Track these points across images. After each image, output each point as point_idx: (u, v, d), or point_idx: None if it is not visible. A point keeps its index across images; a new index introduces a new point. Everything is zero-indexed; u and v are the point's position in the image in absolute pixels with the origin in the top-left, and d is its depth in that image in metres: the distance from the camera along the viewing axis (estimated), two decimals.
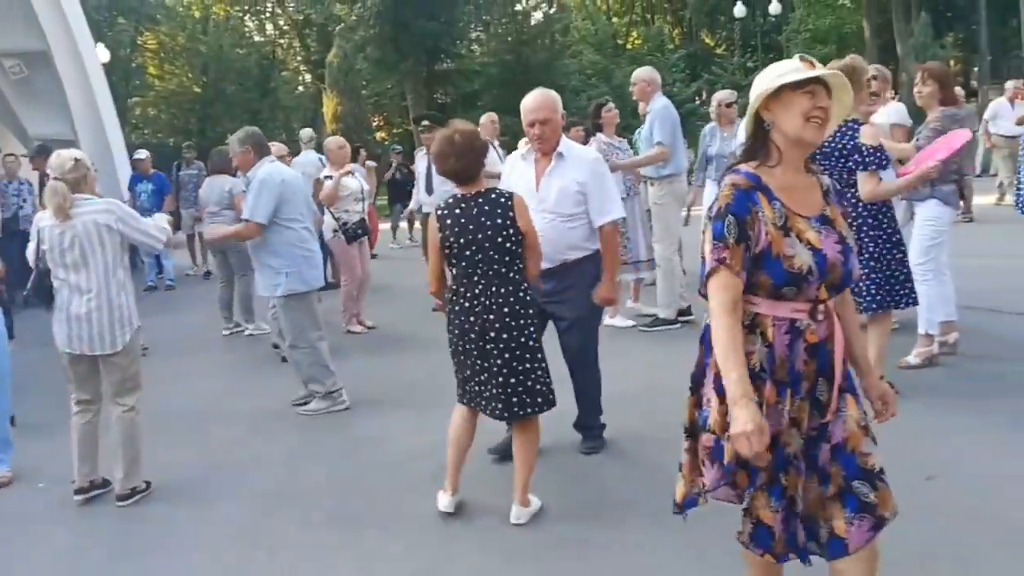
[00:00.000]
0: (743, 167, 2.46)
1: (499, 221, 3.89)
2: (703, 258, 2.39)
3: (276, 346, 7.42)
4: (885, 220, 5.11)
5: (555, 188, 4.50)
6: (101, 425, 4.81)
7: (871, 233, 5.06)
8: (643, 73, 7.63)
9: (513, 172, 4.77)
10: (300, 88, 43.19)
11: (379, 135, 34.32)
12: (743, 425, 2.20)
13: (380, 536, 4.08)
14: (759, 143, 2.46)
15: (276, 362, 7.37)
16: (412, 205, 11.92)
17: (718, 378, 2.35)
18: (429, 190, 9.26)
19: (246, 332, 8.87)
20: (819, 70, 2.39)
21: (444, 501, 4.17)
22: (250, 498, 4.66)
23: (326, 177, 8.44)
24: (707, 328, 2.43)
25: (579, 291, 4.61)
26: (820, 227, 2.40)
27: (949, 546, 3.48)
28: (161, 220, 5.06)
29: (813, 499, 2.43)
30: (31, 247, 4.68)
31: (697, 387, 2.52)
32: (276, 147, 7.72)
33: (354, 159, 10.63)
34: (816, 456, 2.44)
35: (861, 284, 5.02)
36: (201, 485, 4.91)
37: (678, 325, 7.57)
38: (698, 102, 31.14)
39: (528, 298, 3.98)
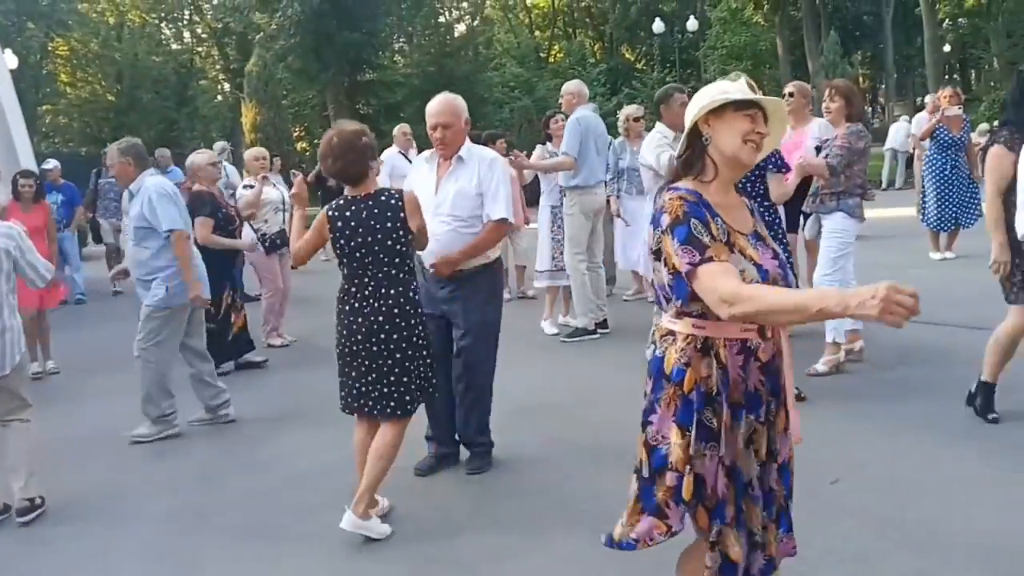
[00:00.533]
0: (681, 184, 2.43)
1: (388, 224, 3.93)
2: (669, 275, 2.32)
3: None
4: (779, 226, 5.54)
5: (452, 191, 4.48)
6: None
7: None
8: (570, 86, 8.01)
9: (415, 175, 4.77)
10: (219, 97, 42.51)
11: (300, 145, 33.97)
12: (874, 288, 1.85)
13: (294, 551, 4.03)
14: (695, 157, 2.44)
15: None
16: None
17: (678, 410, 2.31)
18: None
19: None
20: (761, 96, 2.40)
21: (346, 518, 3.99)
22: (163, 517, 4.54)
23: (246, 186, 8.38)
24: (656, 361, 2.40)
25: (475, 300, 4.57)
26: (755, 243, 2.39)
27: (852, 547, 3.60)
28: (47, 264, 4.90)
29: (760, 526, 2.44)
30: None
31: (646, 424, 2.42)
32: (207, 155, 7.55)
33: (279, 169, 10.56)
34: (765, 478, 2.44)
35: None
36: (110, 506, 4.76)
37: (596, 335, 7.66)
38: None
39: (417, 298, 4.05)
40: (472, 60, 35.06)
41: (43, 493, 4.64)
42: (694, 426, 2.30)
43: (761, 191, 5.38)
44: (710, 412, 2.30)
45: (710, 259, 2.22)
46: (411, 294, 4.01)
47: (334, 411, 5.99)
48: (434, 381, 4.16)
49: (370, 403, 4.03)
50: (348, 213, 3.95)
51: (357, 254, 3.93)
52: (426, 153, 4.76)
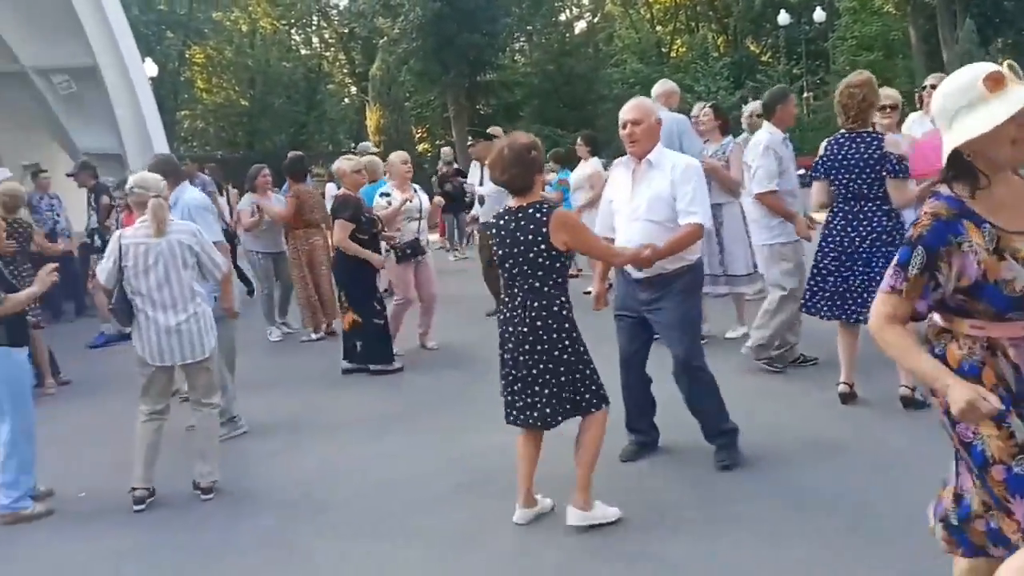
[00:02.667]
0: (944, 191, 2.34)
1: (530, 237, 3.90)
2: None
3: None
4: (901, 231, 5.20)
5: (646, 196, 4.45)
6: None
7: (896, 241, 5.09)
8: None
9: (614, 180, 4.75)
10: (346, 100, 43.64)
11: (421, 147, 34.51)
12: (965, 394, 2.13)
13: (402, 548, 4.07)
14: (961, 173, 2.31)
15: (331, 376, 7.42)
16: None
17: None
18: (482, 201, 9.38)
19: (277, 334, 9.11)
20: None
21: (518, 514, 4.16)
22: (281, 510, 4.67)
23: (383, 194, 8.02)
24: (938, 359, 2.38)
25: (674, 301, 4.50)
26: None
27: None
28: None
29: None
30: (106, 263, 4.81)
31: (955, 424, 2.37)
32: (352, 162, 7.67)
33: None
34: None
35: None
36: (232, 493, 4.93)
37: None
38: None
39: (565, 312, 3.98)
40: (592, 57, 35.00)
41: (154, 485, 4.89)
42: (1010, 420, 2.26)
43: (880, 194, 5.13)
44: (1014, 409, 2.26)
45: (899, 291, 2.31)
46: (555, 308, 3.94)
47: (438, 415, 6.11)
48: (588, 396, 4.05)
49: (514, 412, 4.08)
50: (501, 223, 4.03)
51: (506, 264, 3.99)
52: (623, 158, 4.70)
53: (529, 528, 4.12)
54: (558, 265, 3.96)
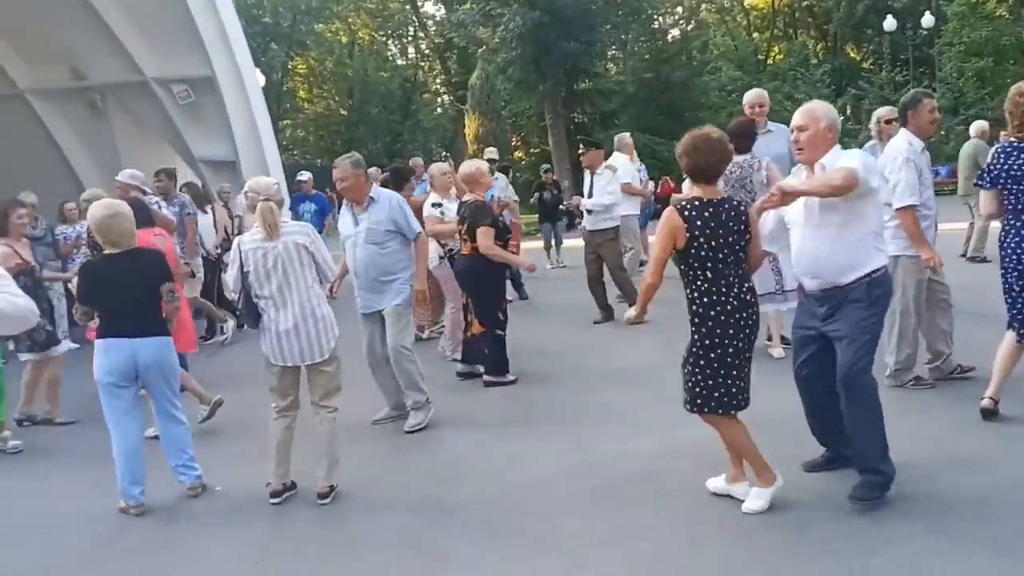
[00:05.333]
0: None
1: (741, 227, 4.15)
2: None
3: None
4: None
5: (817, 200, 4.21)
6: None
7: None
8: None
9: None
10: (439, 110, 44.20)
11: (517, 154, 34.70)
12: None
13: (536, 554, 4.07)
14: None
15: (446, 380, 7.46)
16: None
17: None
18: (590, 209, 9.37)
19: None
20: None
21: (754, 504, 4.23)
22: (412, 510, 4.73)
23: (435, 204, 8.10)
24: None
25: (848, 311, 4.18)
26: None
27: None
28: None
29: None
30: (231, 270, 5.00)
31: None
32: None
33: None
34: None
35: None
36: (364, 494, 5.02)
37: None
38: (842, 118, 30.13)
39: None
40: (687, 65, 34.66)
41: (339, 480, 5.02)
42: None
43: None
44: None
45: None
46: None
47: (559, 422, 6.11)
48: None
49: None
50: (707, 214, 4.10)
51: (721, 254, 4.09)
52: (800, 165, 4.49)
53: (667, 535, 4.10)
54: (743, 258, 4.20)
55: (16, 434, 6.51)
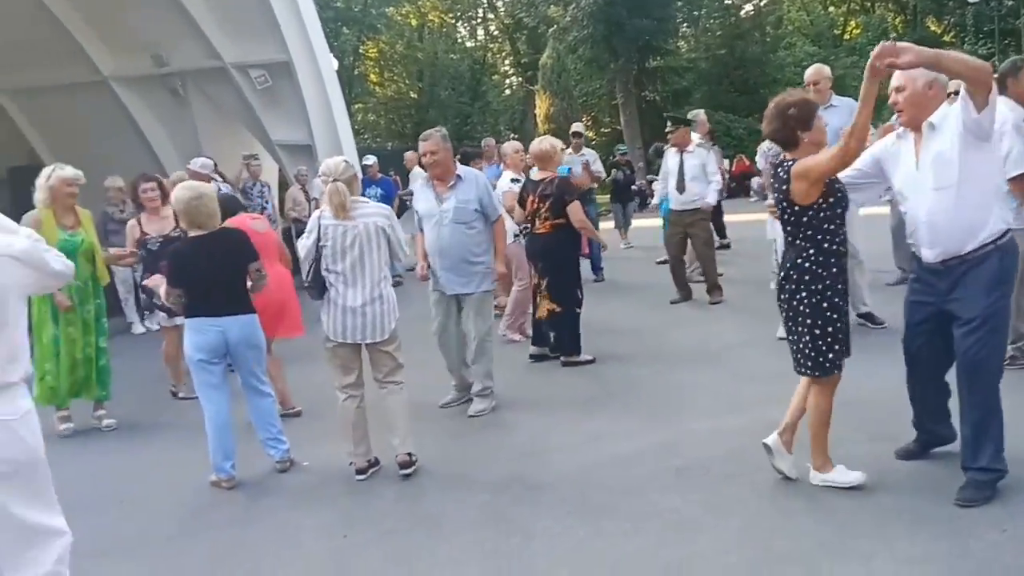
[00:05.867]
0: None
1: (781, 194, 4.17)
2: None
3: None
4: None
5: (930, 161, 3.94)
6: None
7: None
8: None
9: (897, 154, 4.20)
10: (508, 91, 44.12)
11: (587, 135, 34.44)
12: None
13: (623, 530, 4.06)
14: None
15: (520, 360, 7.50)
16: (655, 200, 11.60)
17: None
18: (680, 188, 9.23)
19: None
20: None
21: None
22: (493, 487, 4.76)
23: (514, 180, 8.16)
24: None
25: (980, 286, 3.87)
26: None
27: None
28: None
29: None
30: (306, 240, 5.03)
31: None
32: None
33: None
34: None
35: None
36: (444, 471, 5.08)
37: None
38: None
39: (807, 265, 4.14)
40: (761, 41, 33.93)
41: (415, 449, 5.09)
42: None
43: None
44: None
45: None
46: (799, 260, 4.10)
47: (638, 402, 6.07)
48: (806, 358, 4.17)
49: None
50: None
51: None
52: (899, 130, 4.24)
53: (755, 514, 4.06)
54: (804, 219, 4.06)
55: (110, 412, 6.71)
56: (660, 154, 10.79)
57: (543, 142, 7.45)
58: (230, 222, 5.81)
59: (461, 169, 6.16)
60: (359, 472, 5.02)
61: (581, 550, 3.93)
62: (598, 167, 11.74)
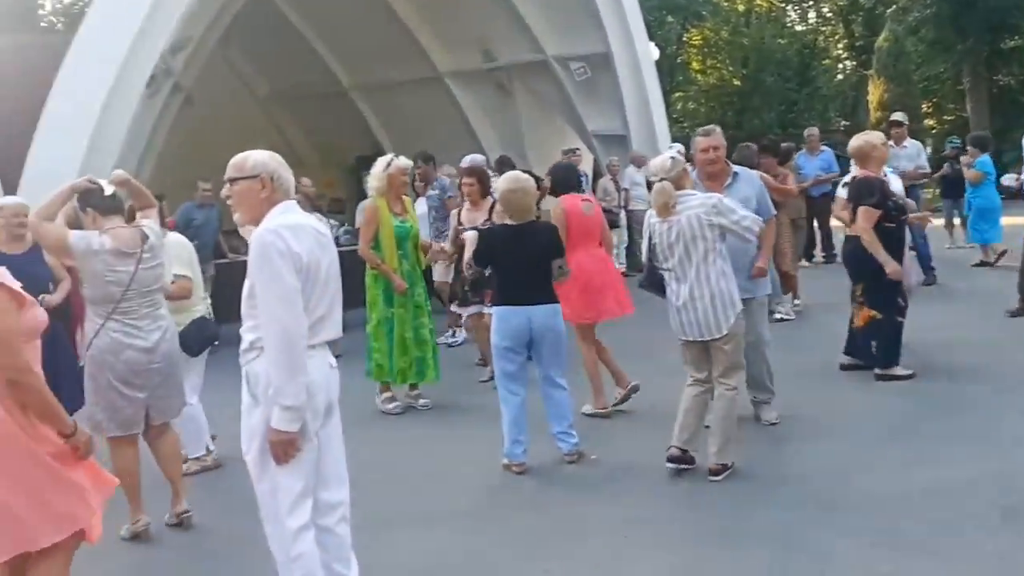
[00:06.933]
0: None
1: None
2: None
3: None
4: None
5: None
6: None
7: None
8: None
9: None
10: (839, 76, 41.86)
11: (928, 123, 31.65)
12: None
13: (934, 570, 3.69)
14: None
15: (827, 371, 7.11)
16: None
17: None
18: None
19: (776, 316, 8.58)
20: None
21: None
22: (789, 503, 4.51)
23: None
24: None
25: None
26: None
27: None
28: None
29: None
30: (644, 242, 5.26)
31: None
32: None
33: None
34: None
35: None
36: (732, 483, 4.85)
37: None
38: None
39: None
40: None
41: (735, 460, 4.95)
42: None
43: None
44: None
45: None
46: None
47: (964, 425, 5.46)
48: None
49: None
50: None
51: None
52: None
53: None
54: None
55: (424, 392, 7.09)
56: None
57: (859, 138, 6.79)
58: (563, 199, 6.25)
59: (735, 166, 5.79)
60: (670, 460, 4.94)
61: None
62: (918, 162, 10.80)
